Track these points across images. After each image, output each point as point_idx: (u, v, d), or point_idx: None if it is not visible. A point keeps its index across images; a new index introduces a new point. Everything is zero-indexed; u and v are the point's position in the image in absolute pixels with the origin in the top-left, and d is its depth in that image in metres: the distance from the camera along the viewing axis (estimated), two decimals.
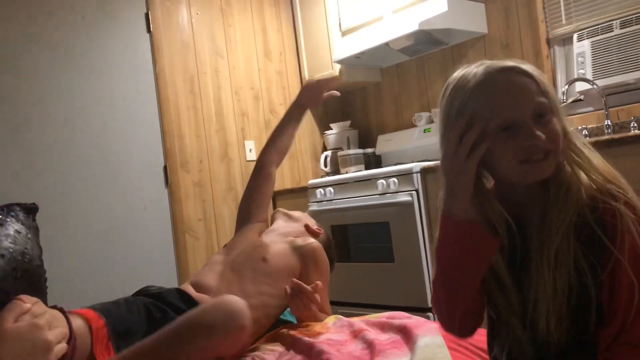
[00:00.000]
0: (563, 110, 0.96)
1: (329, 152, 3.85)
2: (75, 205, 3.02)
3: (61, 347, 0.87)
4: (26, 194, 2.86)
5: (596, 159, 0.96)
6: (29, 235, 0.87)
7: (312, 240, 1.94)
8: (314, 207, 3.35)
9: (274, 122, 3.83)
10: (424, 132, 3.51)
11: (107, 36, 3.23)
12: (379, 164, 3.77)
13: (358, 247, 3.21)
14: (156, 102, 3.36)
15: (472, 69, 0.97)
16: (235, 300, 1.27)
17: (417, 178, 2.87)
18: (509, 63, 0.95)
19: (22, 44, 2.94)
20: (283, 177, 3.86)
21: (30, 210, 0.93)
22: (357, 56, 3.54)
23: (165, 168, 3.36)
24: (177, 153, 3.40)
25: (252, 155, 3.72)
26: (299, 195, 3.54)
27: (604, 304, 0.92)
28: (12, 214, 0.87)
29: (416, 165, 2.90)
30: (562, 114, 0.95)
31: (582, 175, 0.93)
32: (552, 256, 0.91)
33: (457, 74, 0.99)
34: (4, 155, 2.84)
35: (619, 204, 0.90)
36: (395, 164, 3.30)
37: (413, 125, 3.64)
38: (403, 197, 2.87)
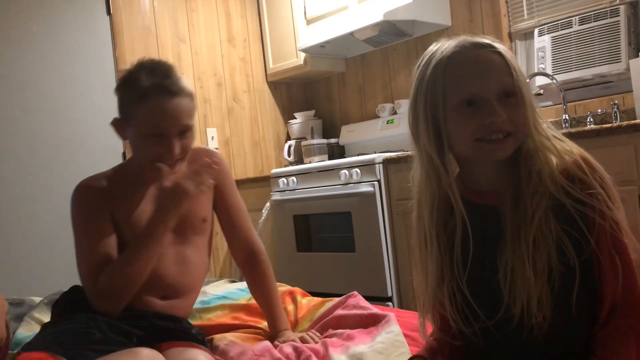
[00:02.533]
0: (532, 95, 0.96)
1: (292, 142, 3.83)
2: (32, 191, 2.93)
3: None
4: None
5: (566, 141, 0.97)
6: None
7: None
8: (276, 196, 3.33)
9: (237, 110, 3.80)
10: (387, 123, 3.52)
11: (65, 18, 3.13)
12: (342, 154, 3.77)
13: (320, 237, 3.21)
14: (115, 86, 3.27)
15: (447, 42, 0.98)
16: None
17: (379, 169, 2.88)
18: (484, 40, 0.96)
19: None
20: (246, 166, 3.83)
21: None
22: (322, 45, 3.52)
23: (124, 154, 3.29)
24: None
25: (214, 142, 3.67)
26: (262, 184, 3.52)
27: (597, 286, 0.92)
28: None
29: (378, 156, 2.91)
30: (531, 98, 0.95)
31: (552, 158, 0.94)
32: (531, 239, 0.91)
33: (433, 46, 1.00)
34: None
35: (593, 184, 0.91)
36: (358, 155, 3.30)
37: (377, 116, 3.65)
38: (365, 188, 2.88)
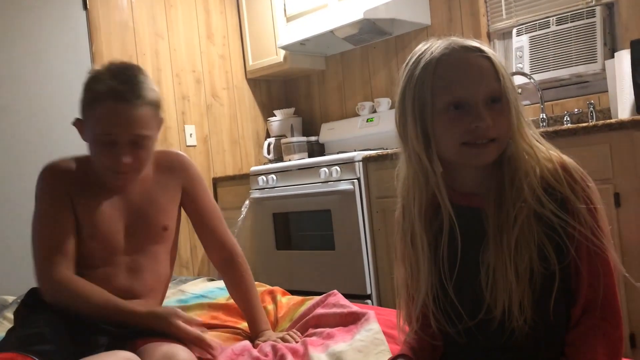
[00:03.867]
0: (518, 101, 0.96)
1: (272, 139, 3.81)
2: (7, 189, 2.87)
3: None
4: None
5: (549, 149, 0.97)
6: None
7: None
8: (255, 194, 3.31)
9: (216, 106, 3.77)
10: (367, 121, 3.52)
11: (41, 13, 3.07)
12: (322, 152, 3.76)
13: (300, 235, 3.20)
14: None
15: (437, 43, 0.98)
16: None
17: (359, 167, 2.88)
18: (473, 43, 0.96)
19: None
20: (225, 163, 3.80)
21: None
22: (302, 43, 3.50)
23: None
24: None
25: (193, 140, 3.63)
26: (241, 182, 3.50)
27: (572, 286, 0.93)
28: None
29: (358, 154, 2.91)
30: (517, 104, 0.95)
31: (533, 165, 0.94)
32: (512, 242, 0.91)
33: (422, 46, 0.99)
34: None
35: (568, 194, 0.91)
36: (338, 153, 3.30)
37: (356, 114, 3.65)
38: (345, 186, 2.88)
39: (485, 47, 0.96)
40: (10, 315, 1.63)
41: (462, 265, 0.98)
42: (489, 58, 0.94)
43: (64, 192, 1.41)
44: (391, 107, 3.47)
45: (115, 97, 1.32)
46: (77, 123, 1.43)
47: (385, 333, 1.38)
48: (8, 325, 1.56)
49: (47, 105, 3.06)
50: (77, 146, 3.26)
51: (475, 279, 0.96)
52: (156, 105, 1.38)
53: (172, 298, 1.86)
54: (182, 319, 1.31)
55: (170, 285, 2.03)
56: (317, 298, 1.72)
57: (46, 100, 3.06)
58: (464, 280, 0.98)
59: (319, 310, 1.58)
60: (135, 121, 1.32)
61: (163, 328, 1.28)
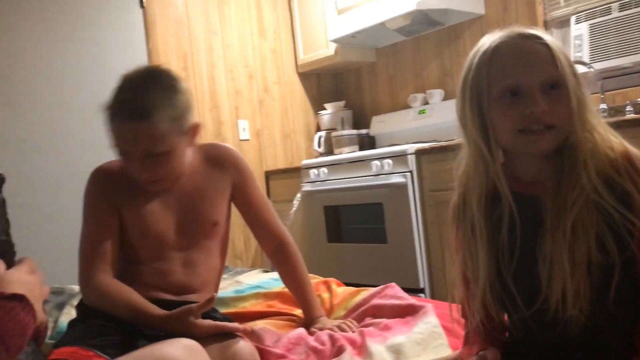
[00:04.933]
0: (581, 88, 0.94)
1: (322, 133, 3.83)
2: (64, 183, 2.99)
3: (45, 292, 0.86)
4: (19, 170, 2.83)
5: (615, 138, 0.94)
6: None
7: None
8: (307, 187, 3.33)
9: (268, 101, 3.81)
10: (419, 113, 3.49)
11: (99, 10, 3.18)
12: (373, 145, 3.75)
13: (350, 228, 3.21)
14: None
15: (498, 33, 0.98)
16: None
17: (411, 159, 2.86)
18: (531, 31, 0.96)
19: (12, 20, 2.89)
20: (276, 157, 3.84)
21: None
22: (353, 35, 3.50)
23: None
24: None
25: (246, 134, 3.69)
26: (292, 175, 3.53)
27: (638, 278, 0.90)
28: None
29: (411, 147, 2.89)
30: (579, 91, 0.93)
31: (597, 153, 0.92)
32: (569, 229, 0.90)
33: (485, 37, 1.00)
34: None
35: (628, 186, 0.89)
36: (390, 145, 3.28)
37: (408, 107, 3.62)
38: (397, 179, 2.86)
39: (543, 34, 0.95)
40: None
41: (520, 253, 0.97)
42: (546, 45, 0.93)
43: (109, 195, 1.43)
44: (444, 99, 3.43)
45: (123, 114, 1.32)
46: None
47: (443, 327, 1.37)
48: (75, 315, 1.63)
49: (104, 99, 3.16)
50: None
51: (533, 268, 0.94)
52: (174, 119, 1.33)
53: (228, 289, 1.91)
54: (198, 314, 1.28)
55: (226, 276, 2.08)
56: (373, 289, 1.73)
57: (103, 97, 3.16)
58: (522, 269, 0.97)
59: (376, 301, 1.58)
60: (145, 139, 1.31)
61: (183, 329, 1.26)
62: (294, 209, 3.44)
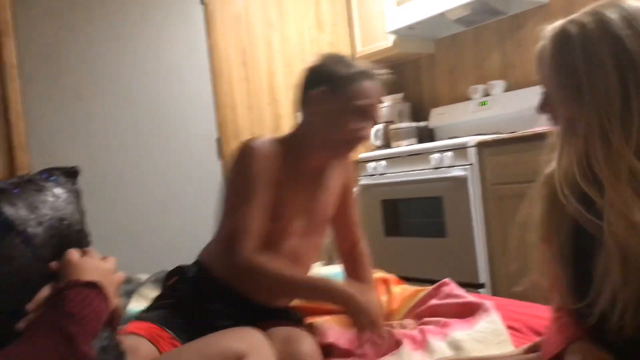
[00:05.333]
0: None
1: (380, 126, 3.80)
2: (131, 175, 3.11)
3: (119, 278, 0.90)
4: (86, 164, 2.96)
5: None
6: (69, 200, 0.87)
7: None
8: (364, 180, 3.33)
9: None
10: (480, 105, 3.41)
11: (162, 9, 3.26)
12: (431, 138, 3.70)
13: (409, 222, 3.19)
14: (209, 74, 3.39)
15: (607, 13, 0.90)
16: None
17: (472, 152, 2.80)
18: None
19: (81, 20, 3.01)
20: None
21: (71, 173, 0.92)
22: (411, 27, 3.45)
23: (218, 140, 3.40)
24: (230, 125, 3.43)
25: None
26: None
27: None
28: (52, 178, 0.87)
29: (472, 139, 2.83)
30: None
31: None
32: None
33: (589, 21, 0.90)
34: (66, 125, 2.94)
35: None
36: (450, 138, 3.23)
37: (468, 98, 3.54)
38: (457, 172, 2.81)
39: None
40: (145, 292, 1.77)
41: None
42: None
43: (271, 172, 1.41)
44: (506, 90, 3.34)
45: (371, 78, 1.48)
46: (320, 93, 1.45)
47: (506, 325, 1.35)
48: (143, 301, 1.70)
49: (168, 98, 3.26)
50: (194, 134, 3.45)
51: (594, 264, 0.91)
52: None
53: None
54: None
55: None
56: (429, 288, 1.71)
57: (167, 92, 3.26)
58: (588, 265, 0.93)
59: (434, 302, 1.57)
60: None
61: (362, 305, 1.30)
62: None
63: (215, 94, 3.39)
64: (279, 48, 3.66)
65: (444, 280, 1.75)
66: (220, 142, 3.40)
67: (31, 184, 0.81)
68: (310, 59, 3.88)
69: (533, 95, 3.17)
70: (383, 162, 3.24)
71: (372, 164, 3.29)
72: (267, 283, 1.37)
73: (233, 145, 3.41)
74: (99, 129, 3.04)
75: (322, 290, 1.37)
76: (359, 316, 1.30)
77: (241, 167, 1.41)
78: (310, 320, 1.55)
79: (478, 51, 3.57)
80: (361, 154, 3.45)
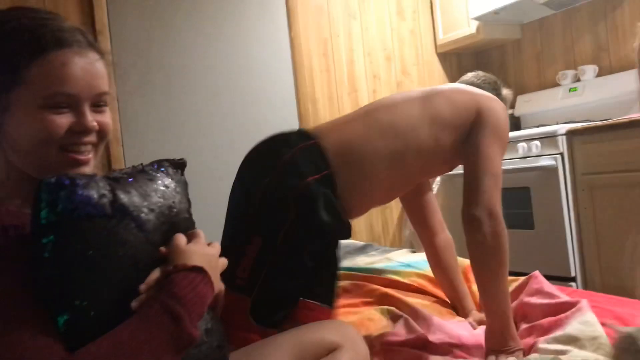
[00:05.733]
0: None
1: None
2: (218, 164, 3.21)
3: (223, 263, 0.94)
4: (174, 156, 3.09)
5: None
6: (177, 190, 0.92)
7: None
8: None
9: (406, 84, 3.78)
10: (570, 91, 3.26)
11: (244, 3, 3.34)
12: (518, 126, 3.58)
13: None
14: (291, 67, 3.44)
15: None
16: None
17: (562, 141, 2.69)
18: None
19: (170, 18, 3.14)
20: None
21: (179, 165, 0.98)
22: (496, 12, 3.34)
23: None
24: (311, 116, 3.47)
25: None
26: None
27: None
28: (162, 169, 0.93)
29: (561, 127, 2.72)
30: None
31: None
32: None
33: None
34: (156, 119, 3.08)
35: None
36: (537, 126, 3.11)
37: (557, 84, 3.40)
38: (546, 161, 2.71)
39: None
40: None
41: None
42: None
43: None
44: (598, 75, 3.17)
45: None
46: None
47: (602, 324, 1.29)
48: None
49: (252, 91, 3.33)
50: (278, 127, 3.52)
51: None
52: None
53: (379, 264, 1.96)
54: None
55: (374, 253, 2.15)
56: (519, 281, 1.67)
57: (250, 84, 3.33)
58: None
59: (525, 298, 1.53)
60: None
61: None
62: (435, 192, 3.39)
63: (296, 86, 3.44)
64: (359, 37, 3.65)
65: (533, 273, 1.70)
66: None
67: (144, 174, 0.87)
68: (390, 47, 3.87)
69: (628, 80, 3.03)
70: None
71: None
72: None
73: None
74: (186, 122, 3.16)
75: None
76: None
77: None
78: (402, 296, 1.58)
79: (568, 35, 3.40)
80: None
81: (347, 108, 3.58)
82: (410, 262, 1.95)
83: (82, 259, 0.74)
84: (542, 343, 1.26)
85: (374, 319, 1.53)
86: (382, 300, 1.66)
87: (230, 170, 3.21)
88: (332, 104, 3.54)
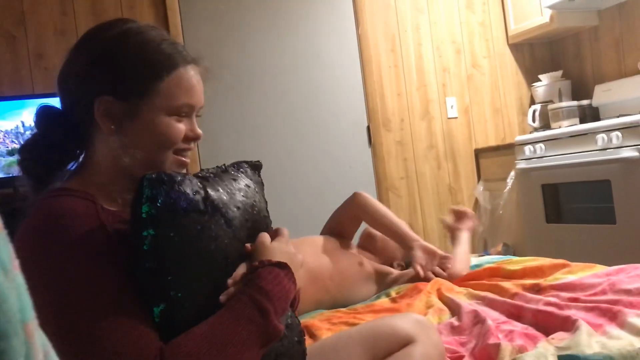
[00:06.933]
0: None
1: (537, 106, 3.60)
2: (289, 162, 3.27)
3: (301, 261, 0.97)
4: (246, 155, 3.17)
5: None
6: (256, 190, 0.96)
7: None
8: (521, 164, 3.18)
9: (477, 77, 3.71)
10: None
11: (313, 4, 3.37)
12: (596, 117, 3.43)
13: (572, 207, 3.00)
14: (359, 62, 3.44)
15: None
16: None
17: None
18: None
19: (238, 16, 3.22)
20: (486, 134, 3.72)
21: (256, 167, 1.03)
22: None
23: (368, 128, 3.45)
24: (379, 112, 3.46)
25: (454, 112, 3.64)
26: (505, 152, 3.39)
27: None
28: (242, 170, 0.97)
29: None
30: None
31: None
32: None
33: None
34: (228, 119, 3.17)
35: None
36: (618, 116, 2.97)
37: (638, 72, 3.23)
38: (628, 153, 2.59)
39: None
40: None
41: None
42: None
43: None
44: None
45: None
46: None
47: None
48: None
49: (320, 87, 3.36)
50: (347, 121, 3.52)
51: None
52: None
53: None
54: None
55: None
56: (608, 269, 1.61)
57: (320, 82, 3.37)
58: None
59: (621, 277, 1.46)
60: None
61: None
62: (508, 187, 3.31)
63: (364, 81, 3.44)
64: (427, 32, 3.61)
65: (622, 266, 1.62)
66: (370, 130, 3.45)
67: (227, 174, 0.91)
68: (459, 40, 3.82)
69: None
70: (541, 145, 3.07)
71: (529, 147, 3.14)
72: None
73: (382, 133, 3.44)
74: (257, 122, 3.23)
75: None
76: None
77: None
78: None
79: None
80: (517, 136, 3.30)
81: (416, 103, 3.55)
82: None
83: (178, 252, 0.78)
84: (633, 317, 1.21)
85: None
86: None
87: (301, 166, 3.29)
88: (400, 99, 3.52)
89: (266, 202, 0.98)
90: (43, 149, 0.92)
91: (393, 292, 1.73)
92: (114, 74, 0.89)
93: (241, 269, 0.85)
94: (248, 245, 0.88)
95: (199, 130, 0.96)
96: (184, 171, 0.92)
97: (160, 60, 0.90)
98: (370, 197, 1.93)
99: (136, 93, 0.89)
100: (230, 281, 0.82)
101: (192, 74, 0.94)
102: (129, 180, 0.88)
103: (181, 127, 0.92)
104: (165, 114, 0.90)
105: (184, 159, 0.94)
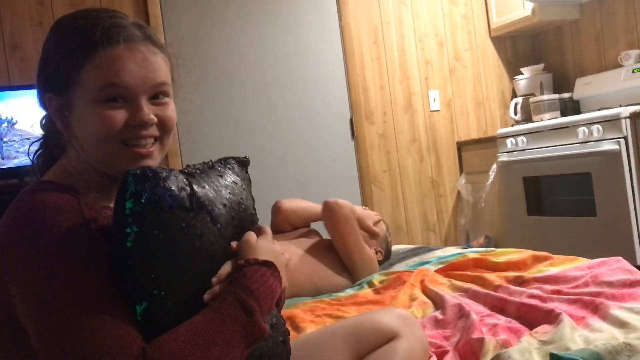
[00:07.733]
0: None
1: (519, 99, 3.62)
2: (271, 155, 3.24)
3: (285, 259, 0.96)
4: (228, 148, 3.14)
5: None
6: (243, 187, 0.94)
7: None
8: (503, 157, 3.20)
9: (459, 69, 3.71)
10: (633, 72, 3.13)
11: None
12: (577, 110, 3.46)
13: (553, 200, 3.02)
14: (342, 55, 3.42)
15: None
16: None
17: (625, 124, 2.59)
18: None
19: (218, 7, 3.17)
20: (469, 127, 3.73)
21: (244, 163, 1.00)
22: None
23: (351, 121, 3.44)
24: (362, 105, 3.45)
25: (436, 104, 3.64)
26: (487, 145, 3.41)
27: None
28: (229, 166, 0.95)
29: (624, 110, 2.62)
30: None
31: None
32: None
33: None
34: (209, 111, 3.13)
35: None
36: (598, 110, 3.00)
37: (619, 65, 3.26)
38: (608, 146, 2.62)
39: None
40: None
41: None
42: None
43: None
44: None
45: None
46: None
47: None
48: None
49: (302, 80, 3.34)
50: (330, 113, 3.50)
51: None
52: None
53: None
54: None
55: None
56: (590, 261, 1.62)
57: (301, 76, 3.34)
58: None
59: (602, 269, 1.47)
60: None
61: None
62: (490, 180, 3.33)
63: (347, 74, 3.43)
64: (410, 24, 3.60)
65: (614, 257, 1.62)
66: (352, 123, 3.44)
67: (214, 170, 0.89)
68: (442, 33, 3.82)
69: None
70: (523, 138, 3.09)
71: (511, 140, 3.16)
72: None
73: (365, 126, 3.44)
74: (239, 114, 3.20)
75: None
76: None
77: None
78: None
79: (631, 13, 3.26)
80: (499, 129, 3.32)
81: (398, 96, 3.55)
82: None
83: (162, 250, 0.76)
84: (615, 309, 1.22)
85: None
86: None
87: (284, 159, 3.27)
88: (383, 92, 3.51)
89: (253, 199, 0.96)
90: (44, 143, 0.94)
91: (376, 282, 1.73)
92: (48, 70, 0.86)
93: (226, 267, 0.83)
94: (234, 243, 0.87)
95: (147, 116, 0.85)
96: (165, 165, 0.89)
97: (76, 47, 0.84)
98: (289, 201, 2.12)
99: (65, 86, 0.85)
100: (215, 280, 0.81)
101: (120, 53, 0.84)
102: (98, 174, 0.87)
103: (113, 114, 0.83)
104: (92, 102, 0.83)
105: (137, 149, 0.86)
